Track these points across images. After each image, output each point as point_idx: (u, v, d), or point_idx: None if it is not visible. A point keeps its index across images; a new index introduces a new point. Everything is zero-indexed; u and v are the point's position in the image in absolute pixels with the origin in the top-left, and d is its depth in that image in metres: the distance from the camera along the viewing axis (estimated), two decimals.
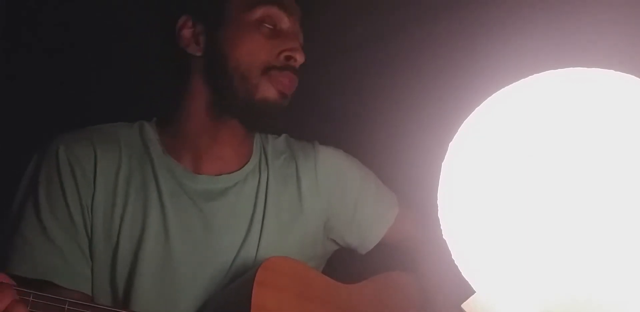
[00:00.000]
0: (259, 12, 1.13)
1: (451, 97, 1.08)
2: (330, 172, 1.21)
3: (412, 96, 1.29)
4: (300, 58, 1.13)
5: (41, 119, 1.42)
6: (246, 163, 1.17)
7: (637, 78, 0.66)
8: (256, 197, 1.14)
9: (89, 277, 1.06)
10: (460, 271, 0.70)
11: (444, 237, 0.71)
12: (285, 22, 1.15)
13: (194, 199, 1.11)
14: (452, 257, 0.70)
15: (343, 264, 1.28)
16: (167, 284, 1.06)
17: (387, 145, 1.33)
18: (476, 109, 0.71)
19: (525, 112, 0.67)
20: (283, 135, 1.25)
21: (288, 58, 1.13)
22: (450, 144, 0.71)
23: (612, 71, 0.67)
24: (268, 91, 1.11)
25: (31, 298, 0.88)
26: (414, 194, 1.25)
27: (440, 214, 0.71)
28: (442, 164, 0.71)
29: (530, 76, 0.69)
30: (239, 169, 1.16)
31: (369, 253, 1.25)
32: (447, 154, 0.71)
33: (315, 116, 1.40)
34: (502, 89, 0.70)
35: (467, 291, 0.71)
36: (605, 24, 1.06)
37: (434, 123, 1.07)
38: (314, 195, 1.19)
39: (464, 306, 0.71)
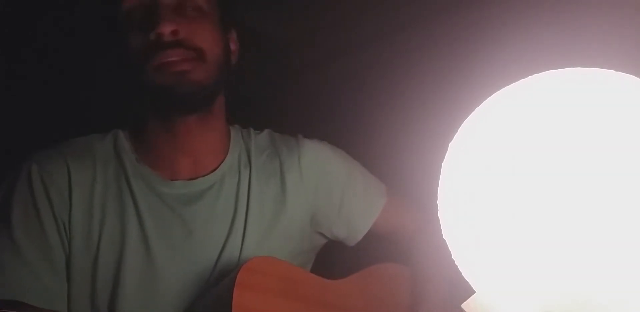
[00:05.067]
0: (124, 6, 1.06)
1: (451, 97, 1.08)
2: (314, 165, 1.18)
3: (413, 96, 1.29)
4: (164, 28, 1.01)
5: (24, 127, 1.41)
6: (222, 162, 1.14)
7: (637, 78, 0.66)
8: (237, 196, 1.12)
9: (64, 295, 1.04)
10: (460, 271, 0.70)
11: (444, 237, 0.71)
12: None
13: (172, 205, 1.09)
14: (452, 257, 0.70)
15: (333, 258, 1.27)
16: (150, 291, 1.05)
17: (387, 145, 1.33)
18: (476, 109, 0.71)
19: (525, 112, 0.67)
20: (266, 131, 1.22)
21: (157, 36, 1.02)
22: (450, 144, 0.71)
23: (612, 71, 0.67)
24: (160, 78, 1.03)
25: None
26: (414, 194, 1.25)
27: (440, 214, 0.71)
28: (442, 164, 0.71)
29: (530, 76, 0.69)
30: (214, 170, 1.13)
31: (360, 245, 1.24)
32: (447, 154, 0.71)
33: (315, 116, 1.40)
34: (502, 89, 0.70)
35: (467, 291, 0.71)
36: (605, 24, 1.06)
37: (434, 123, 1.07)
38: (299, 189, 1.16)
39: (464, 306, 0.71)
